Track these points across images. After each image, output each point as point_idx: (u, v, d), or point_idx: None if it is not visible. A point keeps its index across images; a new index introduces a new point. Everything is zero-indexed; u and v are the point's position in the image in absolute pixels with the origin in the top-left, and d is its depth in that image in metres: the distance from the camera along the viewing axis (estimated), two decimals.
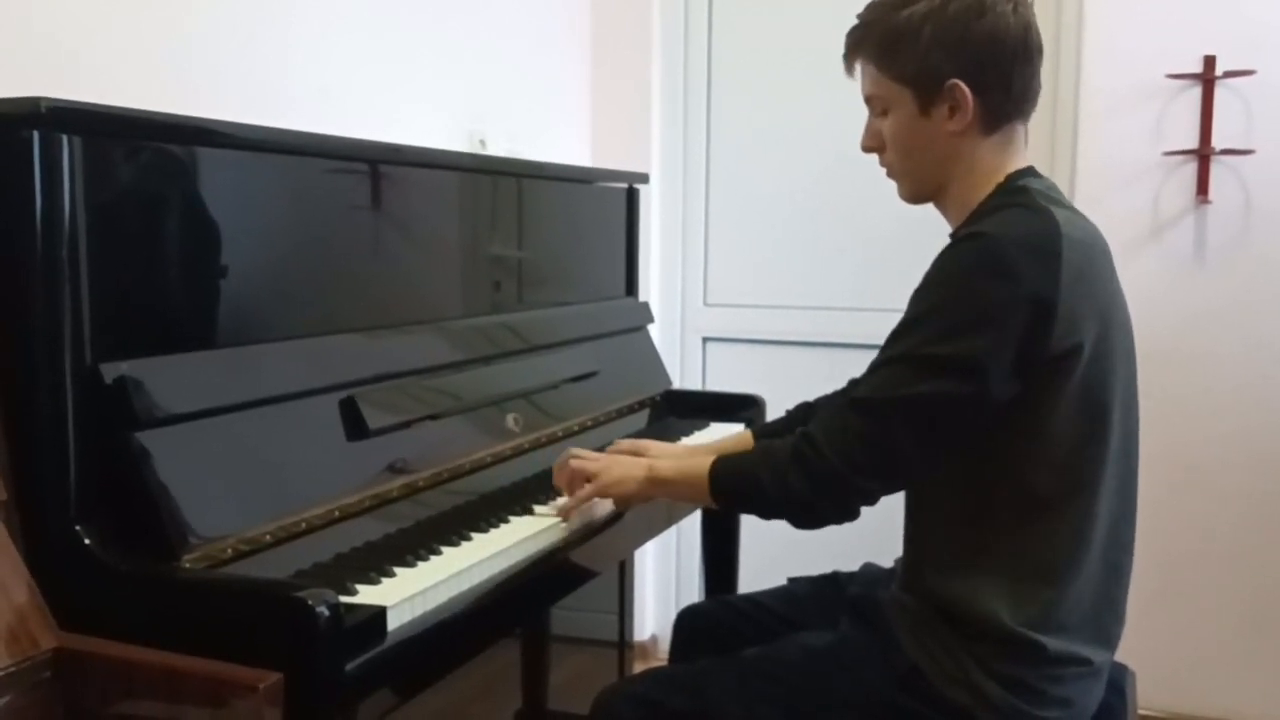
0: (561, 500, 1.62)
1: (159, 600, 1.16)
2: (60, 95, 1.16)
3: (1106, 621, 1.41)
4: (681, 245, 3.15)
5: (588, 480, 1.58)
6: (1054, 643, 1.34)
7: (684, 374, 3.14)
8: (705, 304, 3.16)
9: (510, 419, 1.78)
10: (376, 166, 1.66)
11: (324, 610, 1.08)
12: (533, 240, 2.10)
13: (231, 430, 1.30)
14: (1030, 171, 1.43)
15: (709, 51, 3.09)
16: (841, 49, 1.46)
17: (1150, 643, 2.37)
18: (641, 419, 2.26)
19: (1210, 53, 2.54)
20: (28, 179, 1.15)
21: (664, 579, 3.23)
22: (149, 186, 1.28)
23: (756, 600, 1.72)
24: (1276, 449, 2.61)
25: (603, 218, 2.38)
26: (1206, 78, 2.55)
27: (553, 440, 1.89)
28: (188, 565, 1.20)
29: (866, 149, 1.49)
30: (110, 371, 1.20)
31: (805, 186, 3.00)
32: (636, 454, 1.75)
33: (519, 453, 1.79)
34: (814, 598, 1.69)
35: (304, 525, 1.35)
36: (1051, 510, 1.35)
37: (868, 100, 1.47)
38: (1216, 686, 2.68)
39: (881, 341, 1.39)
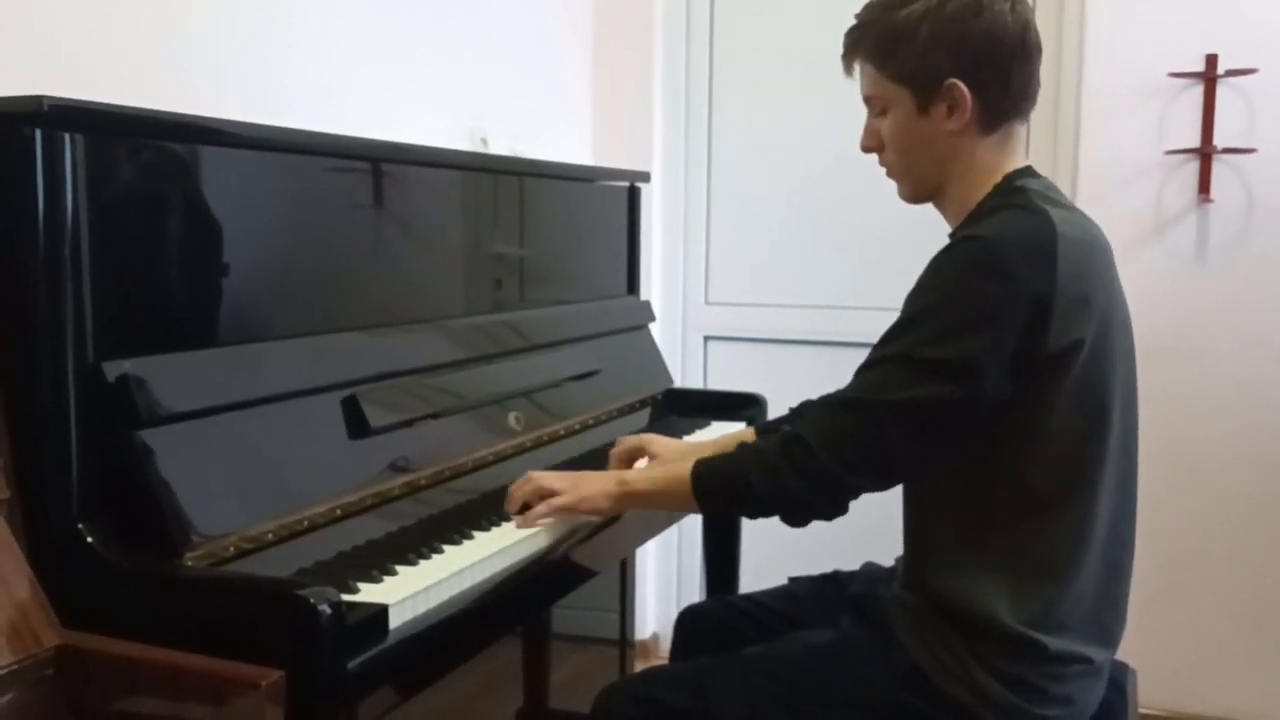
0: (537, 509, 1.51)
1: (161, 598, 1.16)
2: (62, 94, 1.16)
3: (1107, 620, 1.41)
4: (683, 244, 3.15)
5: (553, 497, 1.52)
6: (1055, 641, 1.34)
7: (685, 373, 3.14)
8: (706, 302, 3.16)
9: (512, 417, 1.78)
10: (378, 165, 1.66)
11: (326, 608, 1.08)
12: (534, 239, 2.10)
13: (233, 428, 1.31)
14: (1028, 171, 1.43)
15: (710, 50, 3.09)
16: (841, 49, 1.46)
17: (1151, 641, 2.37)
18: (643, 418, 2.26)
19: (1212, 51, 2.54)
20: (30, 177, 1.15)
21: (665, 578, 3.23)
22: (151, 185, 1.28)
23: (757, 599, 1.72)
24: (1277, 448, 2.61)
25: (604, 216, 2.38)
26: (1208, 76, 2.55)
27: (554, 439, 1.90)
28: (190, 563, 1.20)
29: (866, 149, 1.49)
30: (112, 370, 1.20)
31: (807, 185, 3.00)
32: (640, 449, 1.76)
33: (520, 451, 1.79)
34: (815, 597, 1.69)
35: (306, 523, 1.35)
36: (1051, 509, 1.35)
37: (866, 100, 1.47)
38: (1217, 685, 2.68)
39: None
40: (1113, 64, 2.63)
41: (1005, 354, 1.29)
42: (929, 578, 1.40)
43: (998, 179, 1.41)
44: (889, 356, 1.35)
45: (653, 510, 1.75)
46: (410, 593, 1.25)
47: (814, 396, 1.77)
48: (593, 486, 1.53)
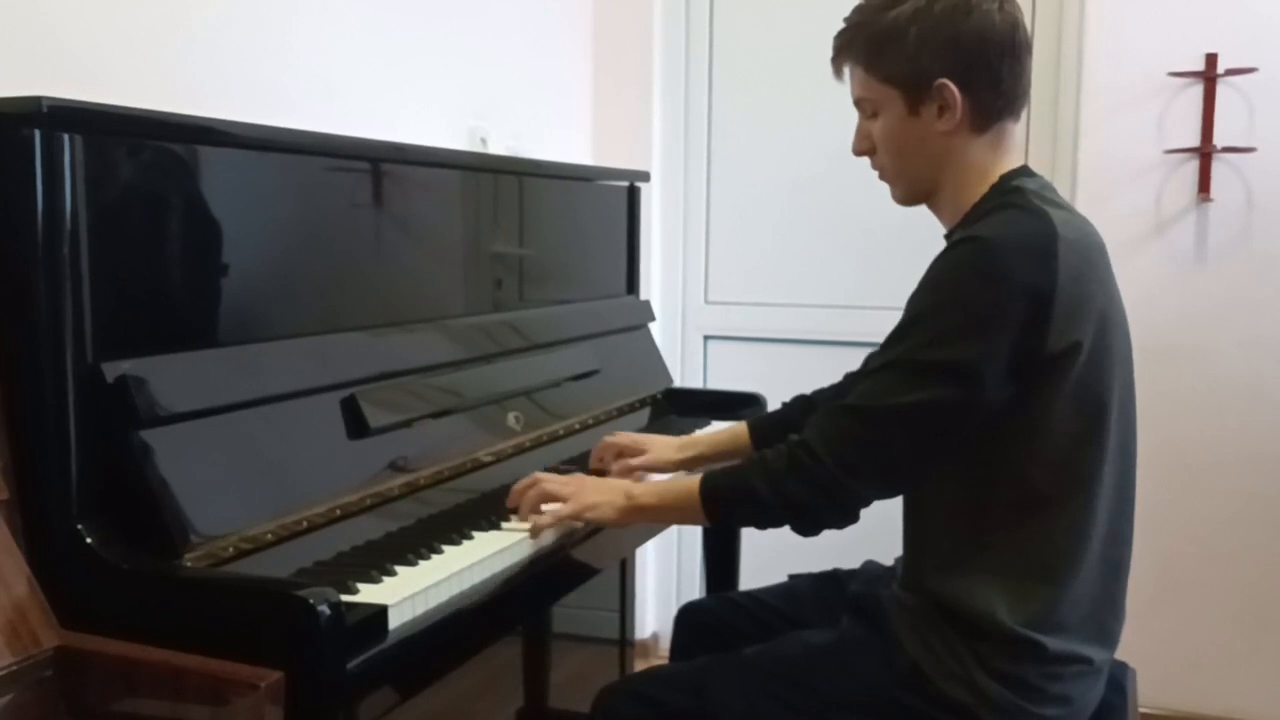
0: (541, 519, 1.51)
1: (160, 598, 1.16)
2: (62, 94, 1.16)
3: (1106, 620, 1.41)
4: (682, 243, 3.15)
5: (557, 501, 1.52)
6: (1054, 641, 1.34)
7: (685, 372, 3.14)
8: (706, 302, 3.16)
9: (511, 417, 1.78)
10: (378, 165, 1.66)
11: (325, 609, 1.08)
12: (534, 238, 2.10)
13: (233, 429, 1.31)
14: (1024, 171, 1.43)
15: (710, 49, 3.08)
16: (831, 52, 1.46)
17: (1151, 641, 2.37)
18: (643, 417, 2.26)
19: (1212, 50, 2.54)
20: (29, 178, 1.15)
21: (665, 577, 3.23)
22: (151, 185, 1.28)
23: (757, 597, 1.73)
24: (1277, 448, 2.61)
25: (604, 216, 2.38)
26: (1208, 75, 2.55)
27: (554, 438, 1.90)
28: (189, 563, 1.20)
29: (858, 153, 1.49)
30: (112, 370, 1.20)
31: (806, 184, 3.00)
32: (636, 449, 1.76)
33: (520, 451, 1.79)
34: (815, 595, 1.69)
35: (305, 524, 1.35)
36: (1050, 509, 1.35)
37: (857, 103, 1.47)
38: (1217, 684, 2.68)
39: (883, 339, 1.39)
40: (1112, 63, 2.63)
41: (1004, 357, 1.29)
42: (928, 578, 1.40)
43: (993, 179, 1.41)
44: (891, 361, 1.35)
45: (660, 524, 1.74)
46: (409, 593, 1.25)
47: (808, 391, 1.79)
48: (599, 496, 1.51)
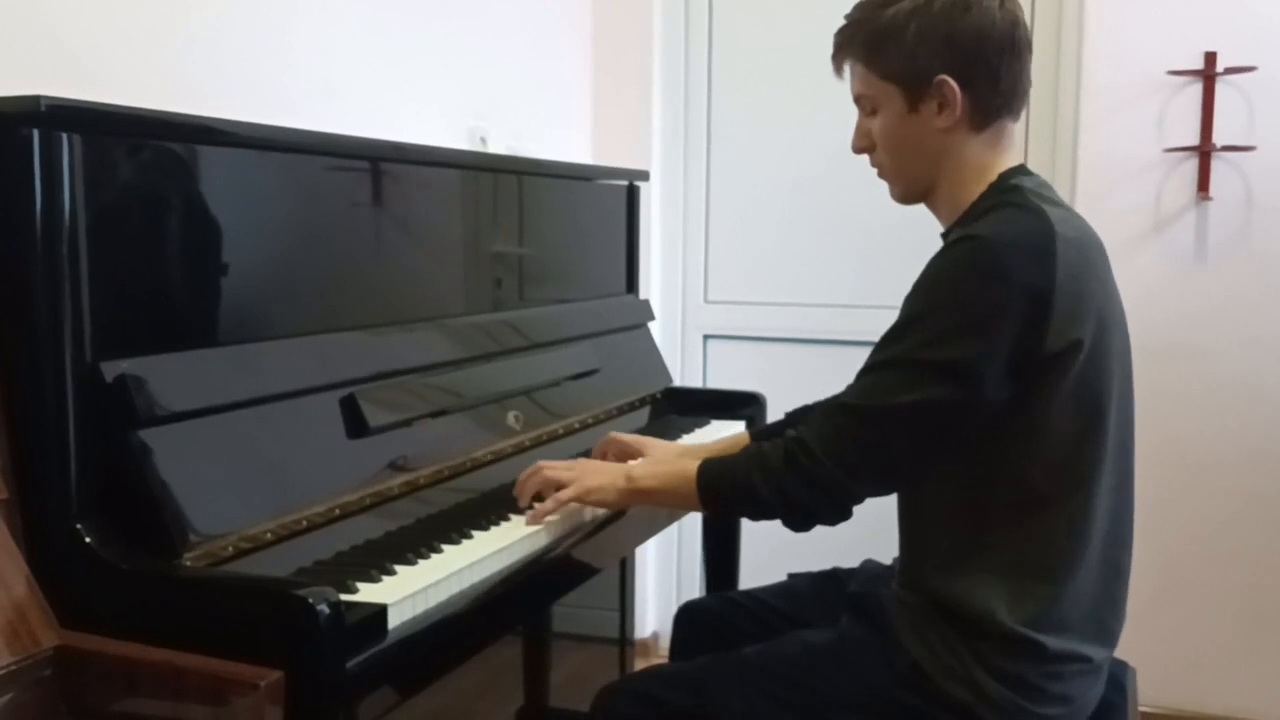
0: (544, 505, 1.54)
1: (160, 598, 1.16)
2: (60, 93, 1.15)
3: (1106, 619, 1.41)
4: (682, 242, 3.15)
5: (560, 488, 1.54)
6: (1054, 641, 1.34)
7: (685, 371, 3.14)
8: (706, 301, 3.16)
9: (511, 416, 1.78)
10: (378, 164, 1.66)
11: (325, 608, 1.08)
12: (534, 238, 2.10)
13: (232, 428, 1.31)
14: (1022, 169, 1.42)
15: (709, 49, 3.08)
16: (831, 49, 1.47)
17: (1151, 640, 2.37)
18: (642, 416, 2.26)
19: (1211, 49, 2.54)
20: (28, 177, 1.15)
21: (665, 576, 3.23)
22: (150, 185, 1.28)
23: (757, 596, 1.73)
24: (1277, 447, 2.61)
25: (603, 215, 2.38)
26: (1207, 74, 2.55)
27: (554, 438, 1.90)
28: (189, 563, 1.20)
29: (857, 150, 1.49)
30: (110, 369, 1.20)
31: (806, 183, 3.00)
32: (634, 450, 1.76)
33: (520, 450, 1.79)
34: (814, 594, 1.69)
35: (305, 523, 1.35)
36: (1049, 508, 1.35)
37: (857, 100, 1.47)
38: (1217, 684, 2.68)
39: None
40: (1112, 62, 2.63)
41: (1003, 356, 1.29)
42: (928, 577, 1.40)
43: (991, 177, 1.41)
44: (889, 360, 1.35)
45: (657, 508, 1.75)
46: (409, 592, 1.25)
47: (812, 398, 1.78)
48: (600, 478, 1.55)
